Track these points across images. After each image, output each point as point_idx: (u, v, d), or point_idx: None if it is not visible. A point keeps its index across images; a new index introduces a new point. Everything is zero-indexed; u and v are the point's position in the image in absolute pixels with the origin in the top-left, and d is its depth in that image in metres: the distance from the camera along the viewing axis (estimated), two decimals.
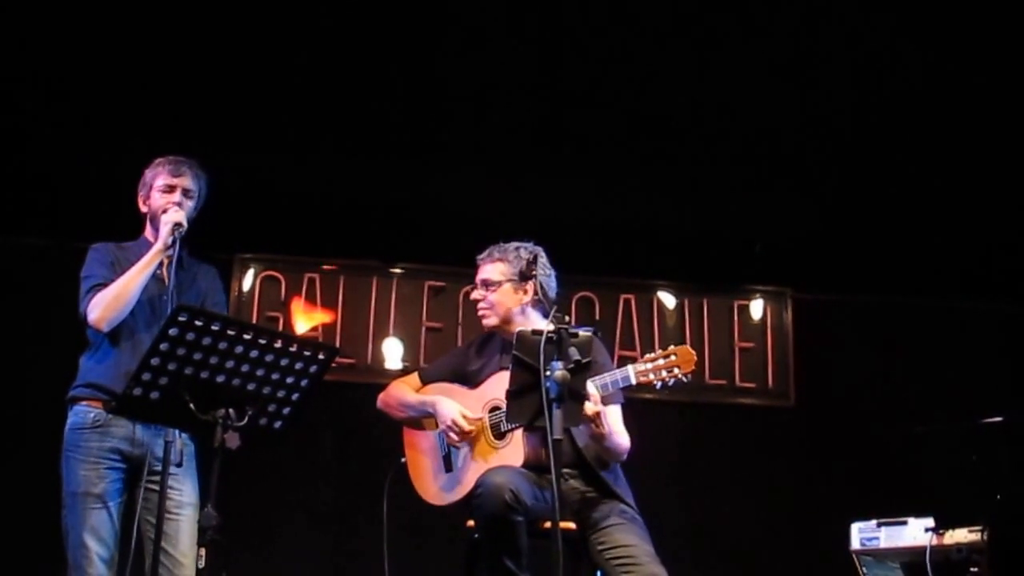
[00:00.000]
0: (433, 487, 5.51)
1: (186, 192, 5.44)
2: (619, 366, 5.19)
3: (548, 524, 4.73)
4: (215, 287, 5.67)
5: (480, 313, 5.54)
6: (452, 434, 5.37)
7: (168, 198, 5.39)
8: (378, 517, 5.64)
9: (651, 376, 5.08)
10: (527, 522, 4.96)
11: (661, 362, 5.09)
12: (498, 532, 4.98)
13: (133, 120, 7.36)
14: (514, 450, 5.22)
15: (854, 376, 8.60)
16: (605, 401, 5.08)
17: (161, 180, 5.45)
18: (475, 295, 5.57)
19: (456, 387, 5.55)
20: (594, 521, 5.25)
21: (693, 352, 5.11)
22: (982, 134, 7.44)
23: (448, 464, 5.47)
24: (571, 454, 5.30)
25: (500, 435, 5.29)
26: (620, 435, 5.29)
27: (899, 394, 8.48)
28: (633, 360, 5.18)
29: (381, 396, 5.78)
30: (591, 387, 4.98)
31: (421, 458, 5.59)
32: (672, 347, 5.12)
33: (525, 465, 5.15)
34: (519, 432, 5.19)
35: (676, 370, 5.07)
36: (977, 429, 5.32)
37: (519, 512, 4.91)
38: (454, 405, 5.40)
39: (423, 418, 5.59)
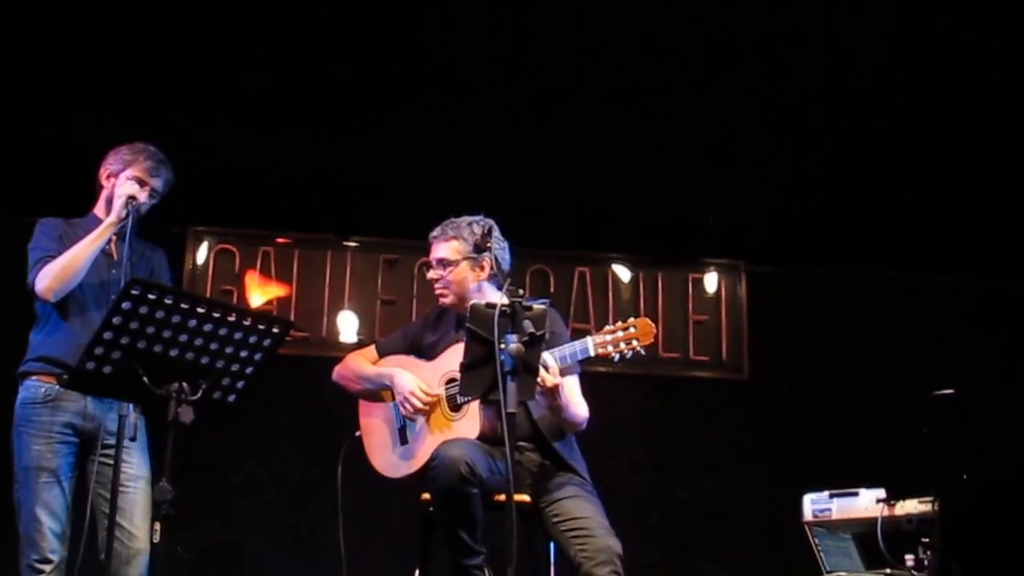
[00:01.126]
0: (388, 460, 5.51)
1: (153, 193, 5.43)
2: (575, 338, 5.21)
3: (502, 497, 4.74)
4: (163, 267, 5.66)
5: (437, 292, 5.52)
6: (409, 406, 5.36)
7: (136, 191, 5.37)
8: (334, 490, 5.64)
9: (609, 348, 5.11)
10: (482, 495, 4.98)
11: (620, 334, 5.11)
12: (453, 505, 4.99)
13: (84, 95, 7.31)
14: (470, 423, 5.23)
15: (807, 349, 8.63)
16: (563, 372, 5.11)
17: (136, 171, 5.43)
18: (431, 274, 5.55)
19: (413, 359, 5.54)
20: (548, 493, 5.27)
21: (652, 324, 5.15)
22: (937, 106, 7.47)
23: (403, 436, 5.47)
24: (527, 427, 5.32)
25: (456, 407, 5.30)
26: (578, 406, 5.32)
27: (852, 366, 8.53)
28: (588, 333, 5.20)
29: (337, 369, 5.76)
30: (549, 359, 5.03)
31: (376, 431, 5.59)
32: (632, 319, 5.15)
33: (480, 437, 5.16)
34: (475, 404, 5.20)
35: (635, 342, 5.10)
36: (929, 402, 5.36)
37: (474, 485, 4.93)
38: (411, 377, 5.40)
39: (380, 390, 5.57)
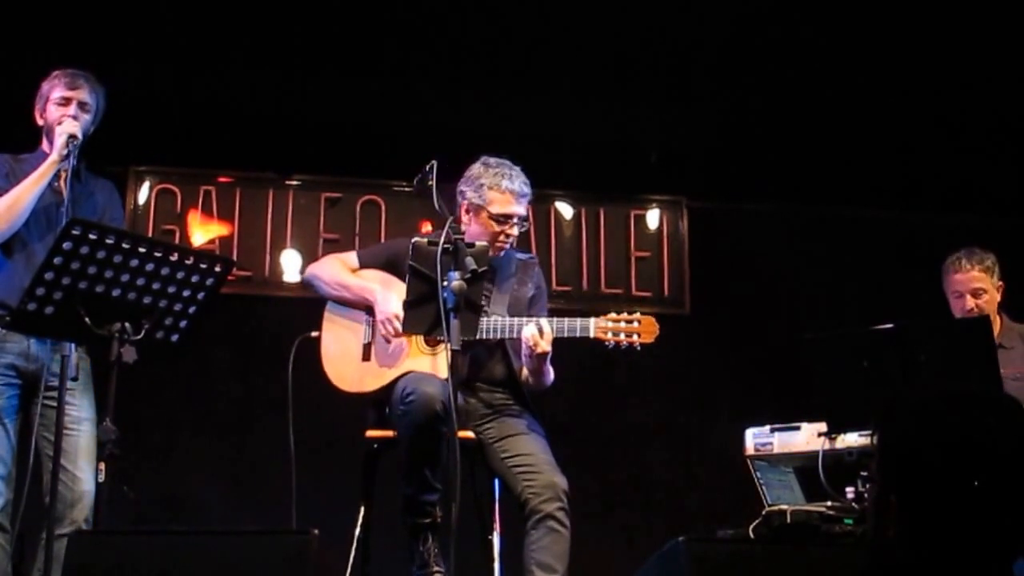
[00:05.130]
0: (343, 370, 5.45)
1: (82, 105, 5.39)
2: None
3: None
4: (113, 202, 5.63)
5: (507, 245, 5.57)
6: (390, 328, 5.31)
7: (63, 111, 5.35)
8: (277, 428, 5.64)
9: (610, 335, 5.24)
10: None
11: (623, 324, 5.25)
12: (424, 443, 5.03)
13: (26, 31, 7.22)
14: (442, 360, 5.22)
15: (749, 284, 8.67)
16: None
17: (57, 92, 5.40)
18: (516, 231, 5.55)
19: (398, 281, 5.37)
20: (499, 429, 5.33)
21: (656, 325, 5.28)
22: (877, 39, 7.51)
23: (366, 353, 5.43)
24: (503, 372, 5.42)
25: (435, 343, 5.28)
26: (551, 372, 5.44)
27: (792, 301, 8.59)
28: None
29: (313, 269, 5.73)
30: (545, 326, 5.19)
31: (338, 339, 5.52)
32: (638, 314, 5.27)
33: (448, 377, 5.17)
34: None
35: (636, 337, 5.25)
36: (868, 335, 5.41)
37: (445, 424, 4.93)
38: (397, 300, 5.29)
39: (357, 303, 5.52)
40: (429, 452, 5.04)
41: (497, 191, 5.47)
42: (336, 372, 5.48)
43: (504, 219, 5.46)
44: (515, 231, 5.52)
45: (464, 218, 5.49)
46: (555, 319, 5.27)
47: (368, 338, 5.45)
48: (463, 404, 5.15)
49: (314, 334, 5.57)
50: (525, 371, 5.44)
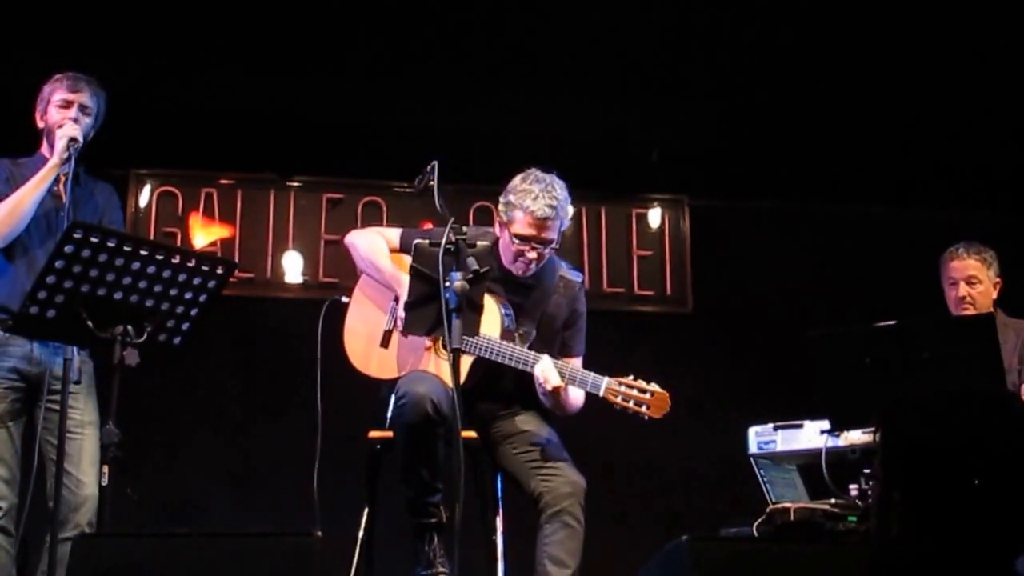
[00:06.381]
0: (360, 349, 5.41)
1: (83, 108, 5.40)
2: None
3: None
4: (112, 204, 5.63)
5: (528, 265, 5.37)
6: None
7: (64, 114, 5.35)
8: (279, 430, 5.65)
9: (619, 399, 5.14)
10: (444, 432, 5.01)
11: (635, 392, 5.13)
12: (419, 442, 5.02)
13: (27, 34, 7.23)
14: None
15: (751, 282, 8.67)
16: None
17: (58, 95, 5.41)
18: (534, 254, 5.31)
19: None
20: (511, 427, 5.34)
21: (669, 402, 5.15)
22: (877, 37, 7.50)
23: (386, 340, 5.36)
24: (513, 384, 5.37)
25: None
26: (578, 399, 5.37)
27: (795, 299, 8.57)
28: None
29: (354, 236, 5.61)
30: (552, 369, 5.13)
31: (363, 317, 5.46)
32: (655, 386, 5.15)
33: (463, 385, 5.06)
34: (469, 358, 5.14)
35: (644, 407, 5.13)
36: (871, 333, 5.40)
37: (439, 423, 4.95)
38: None
39: (385, 287, 5.41)
40: (424, 452, 5.03)
41: (520, 211, 5.25)
42: (355, 348, 5.43)
43: (523, 240, 5.28)
44: (534, 255, 5.30)
45: (496, 230, 5.43)
46: (569, 366, 5.23)
47: (390, 326, 5.36)
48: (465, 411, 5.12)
49: (344, 299, 5.52)
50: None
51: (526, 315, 5.38)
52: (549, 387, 5.12)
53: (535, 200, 5.21)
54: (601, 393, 5.17)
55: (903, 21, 7.31)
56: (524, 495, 5.26)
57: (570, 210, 5.39)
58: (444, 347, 5.18)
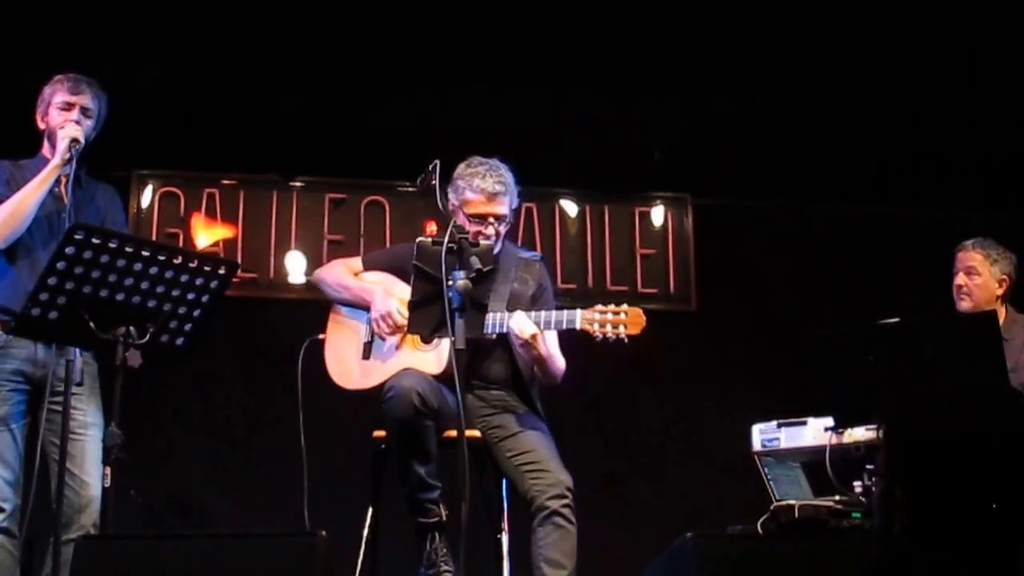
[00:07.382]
0: (344, 368, 5.49)
1: (84, 110, 5.40)
2: None
3: (453, 432, 4.77)
4: (115, 206, 5.63)
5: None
6: (384, 325, 5.35)
7: (66, 116, 5.35)
8: (284, 430, 5.64)
9: (596, 327, 5.20)
10: (436, 428, 5.04)
11: (609, 316, 5.20)
12: (409, 437, 5.03)
13: (28, 35, 7.23)
14: (436, 358, 5.26)
15: (754, 280, 8.67)
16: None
17: (60, 97, 5.40)
18: (492, 231, 5.46)
19: (398, 281, 5.44)
20: (504, 427, 5.33)
21: (643, 316, 5.25)
22: (880, 36, 7.50)
23: (367, 352, 5.46)
24: (506, 371, 5.41)
25: (428, 339, 5.30)
26: (558, 358, 5.46)
27: (799, 297, 8.57)
28: None
29: (320, 272, 5.83)
30: (521, 315, 5.20)
31: (341, 338, 5.56)
32: (625, 306, 5.25)
33: (444, 373, 5.18)
34: (446, 341, 5.16)
35: (622, 328, 5.19)
36: (874, 330, 5.41)
37: (428, 416, 4.99)
38: (393, 299, 5.36)
39: (358, 303, 5.55)
40: (414, 446, 5.05)
41: (470, 191, 5.43)
42: (337, 370, 5.52)
43: (479, 219, 5.42)
44: (491, 231, 5.43)
45: (453, 218, 5.48)
46: (543, 312, 5.27)
47: (368, 337, 5.48)
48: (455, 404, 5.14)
49: (321, 336, 5.61)
50: (530, 363, 5.43)
51: (494, 299, 5.38)
52: (526, 335, 5.16)
53: (483, 179, 5.43)
54: (578, 325, 5.21)
55: (907, 20, 7.31)
56: (519, 497, 5.27)
57: (516, 189, 5.57)
58: (423, 340, 5.25)
